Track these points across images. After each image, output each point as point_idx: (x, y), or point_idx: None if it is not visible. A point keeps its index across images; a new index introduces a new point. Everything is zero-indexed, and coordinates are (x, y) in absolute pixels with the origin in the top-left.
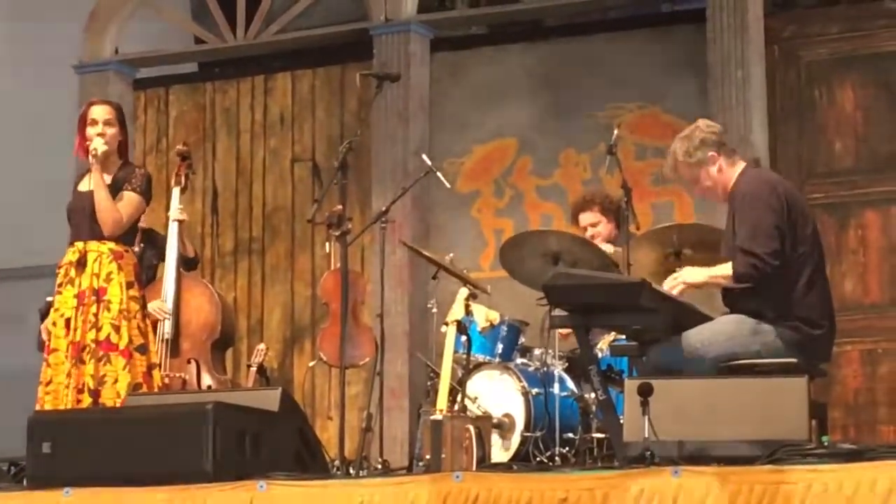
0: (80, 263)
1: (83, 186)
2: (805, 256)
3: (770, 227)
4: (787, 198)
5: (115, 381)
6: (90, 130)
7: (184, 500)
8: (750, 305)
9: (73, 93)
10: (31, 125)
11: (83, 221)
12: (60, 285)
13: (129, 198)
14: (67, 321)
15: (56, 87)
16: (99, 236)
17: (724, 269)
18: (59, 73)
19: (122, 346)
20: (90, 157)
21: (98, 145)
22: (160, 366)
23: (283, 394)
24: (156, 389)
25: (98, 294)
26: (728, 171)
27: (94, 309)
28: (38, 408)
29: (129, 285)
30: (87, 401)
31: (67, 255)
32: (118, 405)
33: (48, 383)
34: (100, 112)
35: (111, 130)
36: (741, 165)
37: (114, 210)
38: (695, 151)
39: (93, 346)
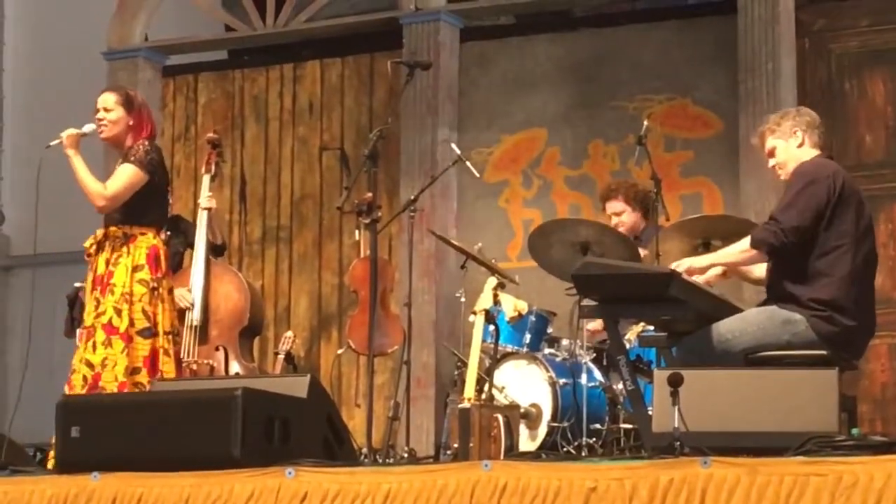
0: (99, 248)
1: None
2: (847, 249)
3: (806, 207)
4: (842, 190)
5: (115, 364)
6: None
7: (212, 486)
8: (786, 288)
9: (101, 80)
10: (60, 112)
11: None
12: (90, 270)
13: (121, 169)
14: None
15: (85, 73)
16: (117, 221)
17: (731, 247)
18: (89, 59)
19: (122, 329)
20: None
21: (73, 132)
22: (188, 352)
23: (311, 380)
24: (160, 375)
25: (106, 278)
26: (804, 155)
27: (97, 293)
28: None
29: (137, 268)
30: (78, 384)
31: (88, 240)
32: (117, 390)
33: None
34: (99, 100)
35: (109, 116)
36: (816, 153)
37: (93, 184)
38: (783, 123)
39: (98, 329)
